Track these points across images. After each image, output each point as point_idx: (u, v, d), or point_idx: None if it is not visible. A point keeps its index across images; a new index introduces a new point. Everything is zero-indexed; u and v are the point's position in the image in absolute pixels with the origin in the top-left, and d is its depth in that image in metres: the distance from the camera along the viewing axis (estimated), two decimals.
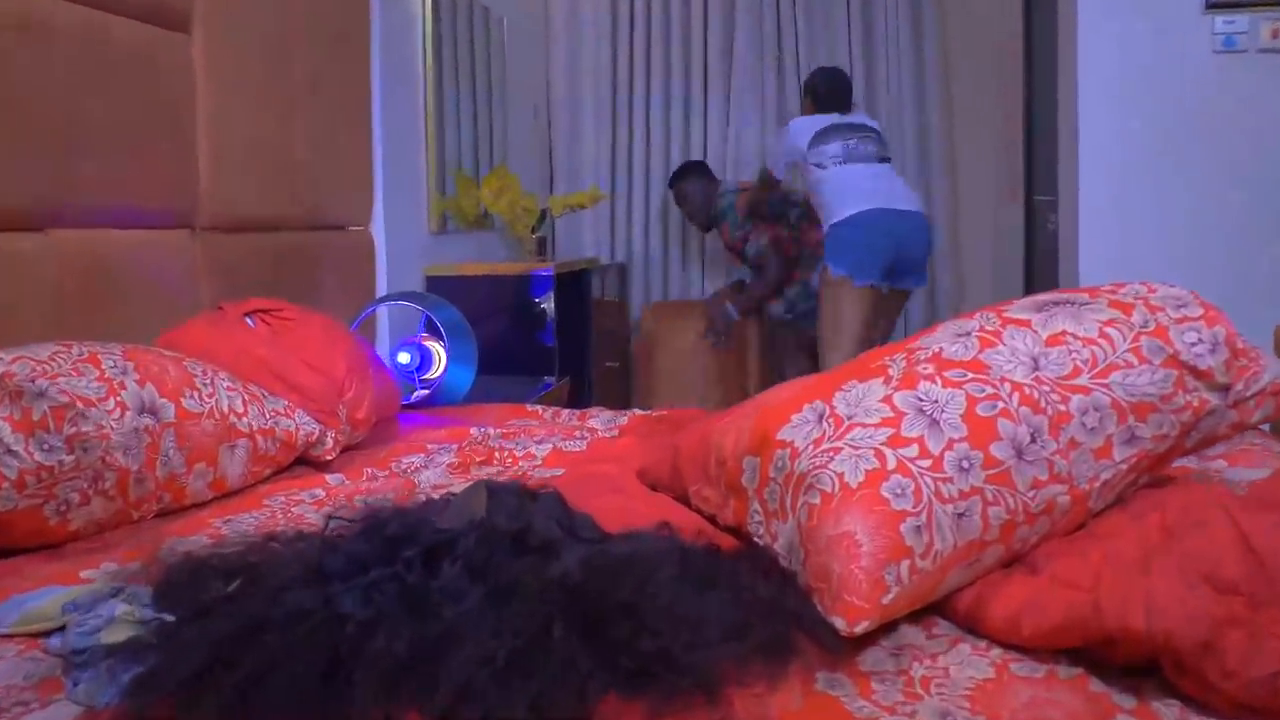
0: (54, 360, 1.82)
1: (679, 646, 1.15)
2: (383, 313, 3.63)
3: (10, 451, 1.68)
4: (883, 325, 4.35)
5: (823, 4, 5.64)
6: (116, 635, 1.26)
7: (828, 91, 4.42)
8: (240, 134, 2.90)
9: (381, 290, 3.67)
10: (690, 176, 5.19)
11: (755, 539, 1.43)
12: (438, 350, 3.20)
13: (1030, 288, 5.21)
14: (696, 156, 5.64)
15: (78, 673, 1.22)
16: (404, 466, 2.31)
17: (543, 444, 2.44)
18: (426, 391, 3.09)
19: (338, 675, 1.11)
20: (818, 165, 4.19)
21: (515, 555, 1.35)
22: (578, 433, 2.62)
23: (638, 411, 2.85)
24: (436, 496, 1.89)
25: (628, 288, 5.74)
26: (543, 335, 4.02)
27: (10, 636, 1.37)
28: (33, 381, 1.74)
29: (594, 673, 1.11)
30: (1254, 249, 3.73)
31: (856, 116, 4.41)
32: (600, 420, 2.77)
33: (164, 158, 2.59)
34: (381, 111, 3.70)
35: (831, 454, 1.36)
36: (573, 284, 4.37)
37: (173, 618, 1.27)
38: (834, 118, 4.29)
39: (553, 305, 4.02)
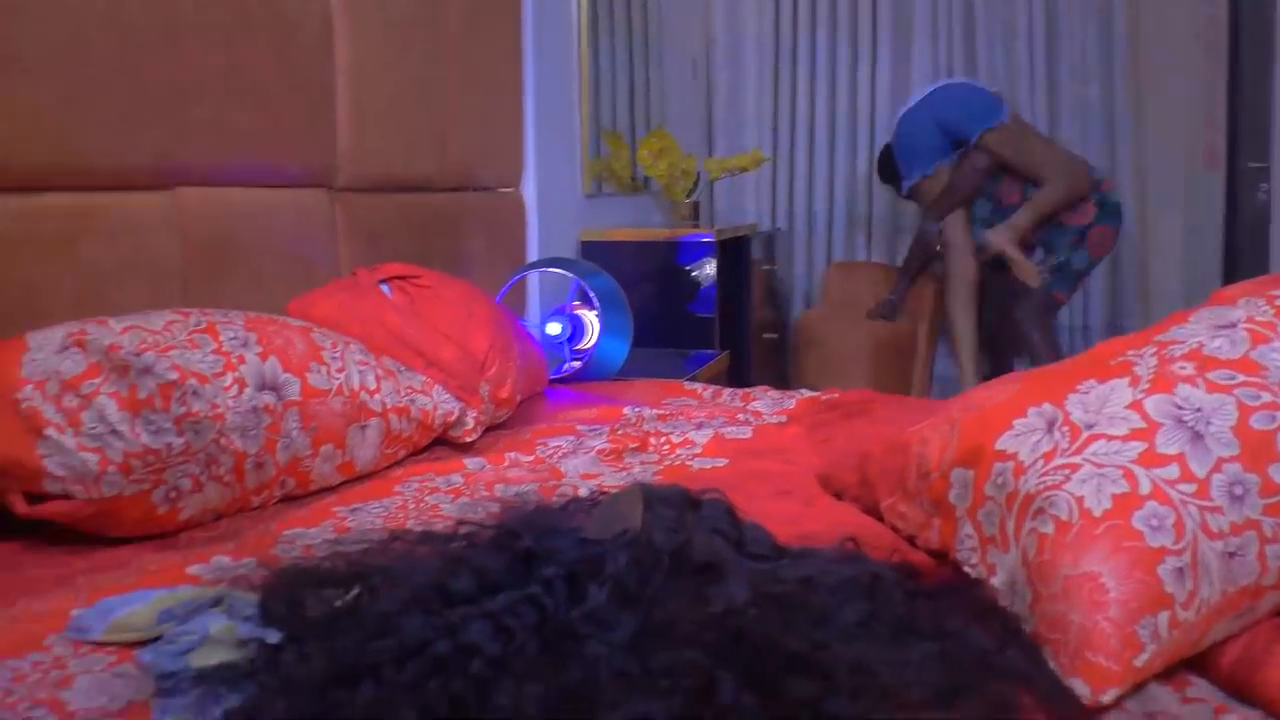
0: (168, 330, 1.66)
1: (877, 713, 0.91)
2: (533, 280, 3.44)
3: (115, 432, 1.52)
4: None
5: None
6: (209, 658, 1.10)
7: None
8: (384, 88, 2.71)
9: (533, 256, 3.47)
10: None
11: (966, 568, 1.17)
12: (590, 320, 2.99)
13: (1230, 267, 4.76)
14: (865, 115, 5.29)
15: (165, 700, 1.05)
16: (550, 451, 2.10)
17: (703, 429, 2.21)
18: (578, 365, 2.88)
19: None
20: None
21: (673, 578, 1.12)
22: (740, 415, 2.37)
23: (805, 393, 2.59)
24: (584, 492, 1.68)
25: (789, 255, 5.44)
26: (701, 305, 3.78)
27: (104, 644, 1.21)
28: (138, 355, 1.57)
29: None
30: None
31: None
32: (765, 403, 2.51)
33: (299, 111, 2.41)
34: (535, 67, 3.49)
35: (1068, 472, 1.09)
36: (733, 251, 4.11)
37: (274, 638, 1.10)
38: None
39: (713, 273, 3.78)
